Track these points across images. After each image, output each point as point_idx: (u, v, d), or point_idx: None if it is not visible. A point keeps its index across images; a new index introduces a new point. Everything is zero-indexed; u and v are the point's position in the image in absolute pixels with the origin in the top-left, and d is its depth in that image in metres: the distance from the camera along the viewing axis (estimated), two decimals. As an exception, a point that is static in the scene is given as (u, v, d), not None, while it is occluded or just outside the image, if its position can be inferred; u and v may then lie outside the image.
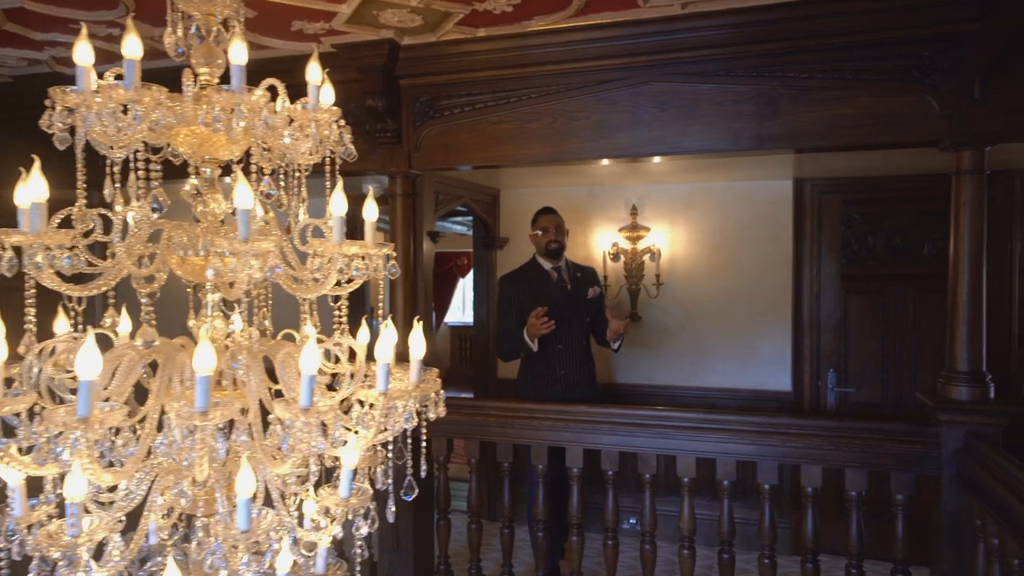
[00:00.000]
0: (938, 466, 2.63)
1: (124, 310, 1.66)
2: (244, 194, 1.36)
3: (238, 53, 1.41)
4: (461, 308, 12.53)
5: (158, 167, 1.48)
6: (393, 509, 1.60)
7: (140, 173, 1.43)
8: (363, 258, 1.61)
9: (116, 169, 1.41)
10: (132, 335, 1.58)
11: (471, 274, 5.88)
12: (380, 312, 3.75)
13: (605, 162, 3.69)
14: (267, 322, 1.81)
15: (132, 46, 1.37)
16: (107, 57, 3.14)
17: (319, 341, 1.80)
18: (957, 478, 2.57)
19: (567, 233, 3.89)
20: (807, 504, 2.87)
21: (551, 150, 3.10)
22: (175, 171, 1.54)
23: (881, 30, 2.55)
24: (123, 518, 1.38)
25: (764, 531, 2.92)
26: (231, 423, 1.51)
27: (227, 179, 1.57)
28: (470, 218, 5.23)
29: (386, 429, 1.55)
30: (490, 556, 4.14)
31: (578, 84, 3.02)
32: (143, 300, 1.61)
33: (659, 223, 4.68)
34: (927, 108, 2.59)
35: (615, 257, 4.71)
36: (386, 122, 3.22)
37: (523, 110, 3.12)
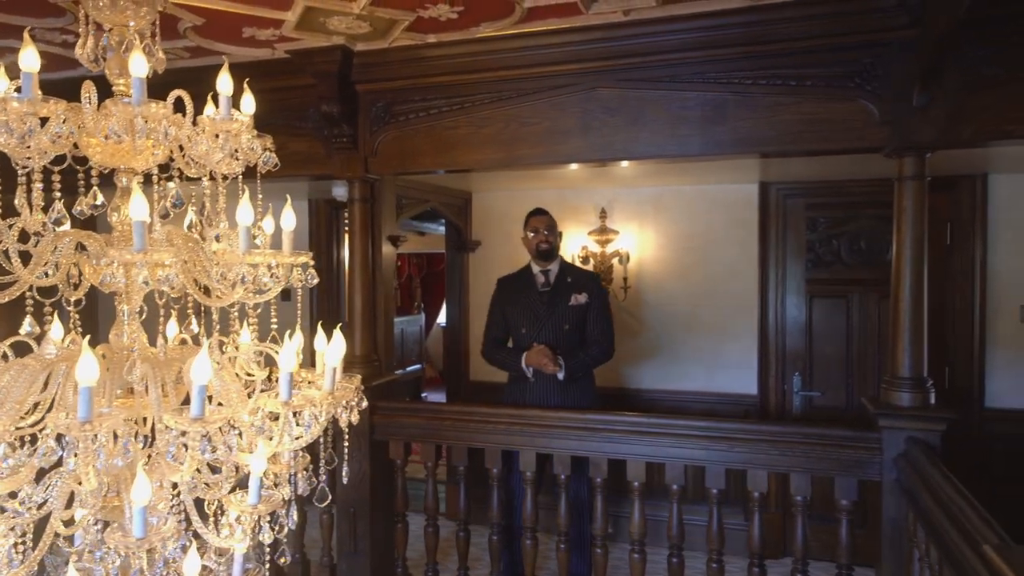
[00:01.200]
0: (879, 471, 2.64)
1: (56, 317, 1.68)
2: (139, 206, 1.37)
3: (138, 66, 1.42)
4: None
5: (81, 177, 1.51)
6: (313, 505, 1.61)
7: (38, 185, 1.44)
8: (271, 267, 1.62)
9: (29, 177, 1.43)
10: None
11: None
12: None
13: (574, 166, 3.71)
14: (193, 327, 1.83)
15: (29, 59, 1.38)
16: (63, 63, 3.16)
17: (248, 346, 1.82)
18: (896, 484, 2.58)
19: (560, 235, 3.81)
20: (754, 508, 2.88)
21: (504, 155, 3.11)
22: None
23: (820, 36, 2.56)
24: (30, 526, 1.40)
25: (712, 535, 2.93)
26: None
27: (171, 184, 1.60)
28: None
29: (299, 437, 1.57)
30: (453, 557, 4.15)
31: (529, 90, 3.03)
32: (69, 307, 1.64)
33: (628, 226, 4.69)
34: (868, 115, 2.60)
35: (584, 260, 4.72)
36: (342, 127, 3.24)
37: (476, 115, 3.14)
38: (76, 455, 1.25)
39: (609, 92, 2.92)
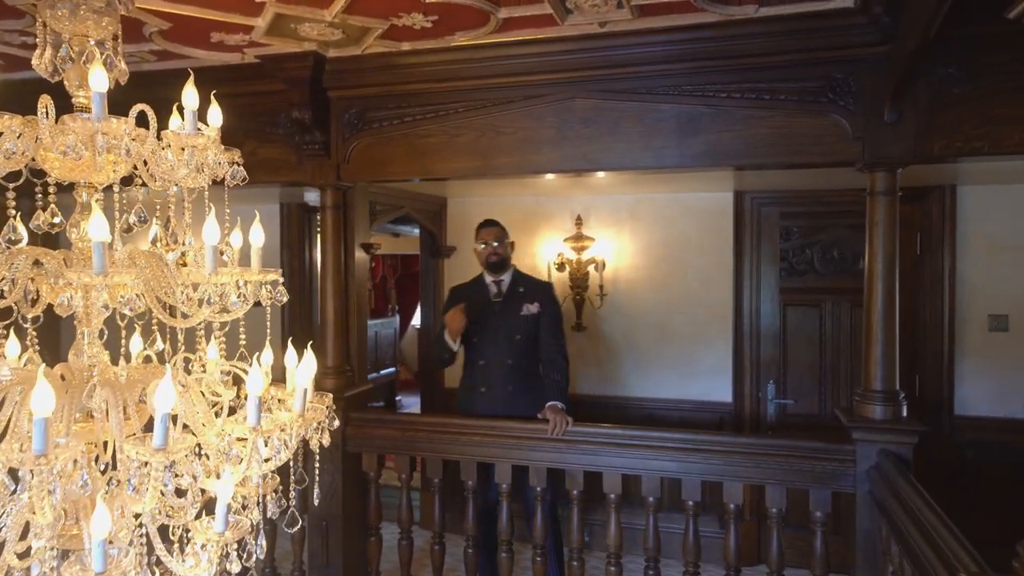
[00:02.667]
0: (853, 484, 2.66)
1: (12, 333, 1.62)
2: (99, 225, 1.32)
3: (98, 80, 1.37)
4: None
5: (38, 192, 1.45)
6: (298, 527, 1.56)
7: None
8: (239, 285, 1.58)
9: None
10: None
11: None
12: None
13: (550, 176, 3.68)
14: (158, 346, 1.77)
15: (-19, 73, 1.32)
16: (22, 64, 3.06)
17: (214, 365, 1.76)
18: (869, 496, 2.59)
19: (511, 246, 3.69)
20: (730, 520, 2.88)
21: (478, 164, 3.08)
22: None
23: (793, 52, 2.57)
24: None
25: (688, 546, 2.94)
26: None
27: (136, 196, 1.54)
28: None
29: (267, 460, 1.52)
30: (428, 569, 4.11)
31: (505, 99, 3.01)
32: (26, 325, 1.57)
33: (604, 233, 4.68)
34: (840, 130, 2.62)
35: (560, 267, 4.71)
36: (314, 134, 3.18)
37: (451, 124, 3.10)
38: (30, 489, 1.20)
39: (585, 103, 2.91)
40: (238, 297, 1.56)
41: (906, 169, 2.64)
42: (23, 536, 1.40)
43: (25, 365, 1.63)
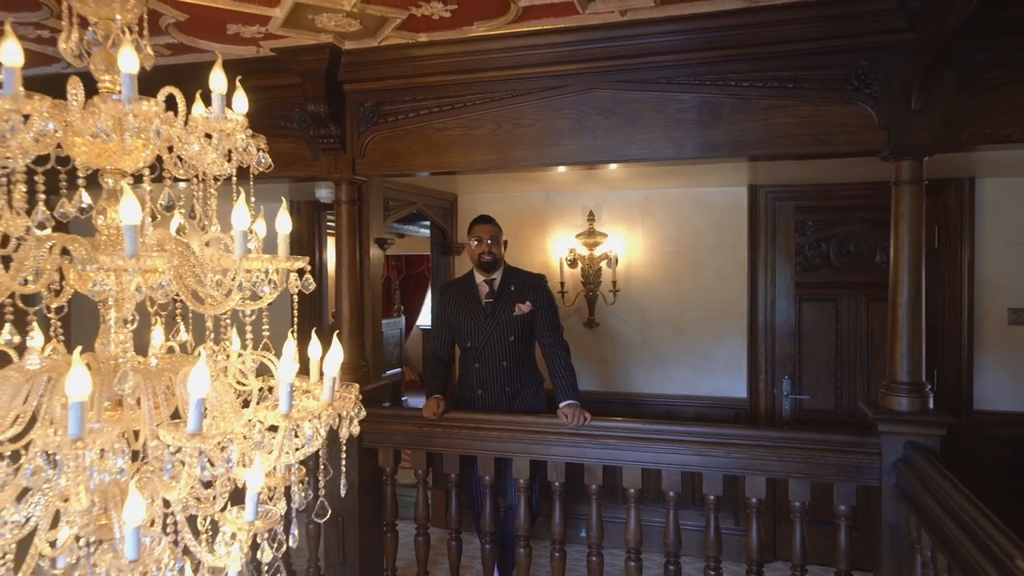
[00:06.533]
0: (879, 477, 2.63)
1: (36, 325, 1.59)
2: (131, 208, 1.29)
3: (128, 61, 1.35)
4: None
5: (63, 178, 1.43)
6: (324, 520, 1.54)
7: (22, 187, 1.36)
8: (267, 272, 1.55)
9: (12, 179, 1.35)
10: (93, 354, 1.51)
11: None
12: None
13: (561, 169, 3.65)
14: (182, 336, 1.75)
15: (11, 52, 1.30)
16: (39, 59, 3.05)
17: (239, 356, 1.74)
18: (896, 489, 2.56)
19: (505, 244, 3.57)
20: (752, 515, 2.85)
21: (496, 157, 3.06)
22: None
23: (817, 39, 2.54)
24: (12, 547, 1.32)
25: (709, 541, 2.90)
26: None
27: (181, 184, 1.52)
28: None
29: (298, 448, 1.50)
30: (442, 566, 4.09)
31: (522, 91, 2.98)
32: (50, 315, 1.55)
33: (616, 229, 4.65)
34: (866, 118, 2.59)
35: (572, 263, 4.68)
36: (329, 127, 3.16)
37: (468, 116, 3.08)
38: (66, 474, 1.18)
39: (604, 94, 2.88)
40: (267, 284, 1.54)
41: (924, 161, 2.61)
42: (53, 525, 1.37)
43: (49, 356, 1.61)
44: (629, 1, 2.49)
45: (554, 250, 4.77)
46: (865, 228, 4.18)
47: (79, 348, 1.25)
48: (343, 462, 1.83)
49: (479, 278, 3.50)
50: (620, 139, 2.89)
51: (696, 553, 4.08)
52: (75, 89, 1.36)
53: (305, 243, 5.09)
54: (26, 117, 1.31)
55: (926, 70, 2.37)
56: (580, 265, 4.66)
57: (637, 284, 4.63)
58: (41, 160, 1.41)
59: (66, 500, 1.34)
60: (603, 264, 4.63)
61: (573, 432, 3.01)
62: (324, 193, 4.61)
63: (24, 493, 1.31)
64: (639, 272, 4.63)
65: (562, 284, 4.66)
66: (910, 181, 2.59)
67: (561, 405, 3.10)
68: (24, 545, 1.36)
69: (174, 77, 2.45)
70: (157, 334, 1.75)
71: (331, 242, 5.20)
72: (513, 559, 3.29)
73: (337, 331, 1.72)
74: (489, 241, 3.43)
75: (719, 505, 2.91)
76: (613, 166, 3.39)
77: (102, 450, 1.33)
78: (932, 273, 4.07)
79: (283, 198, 1.70)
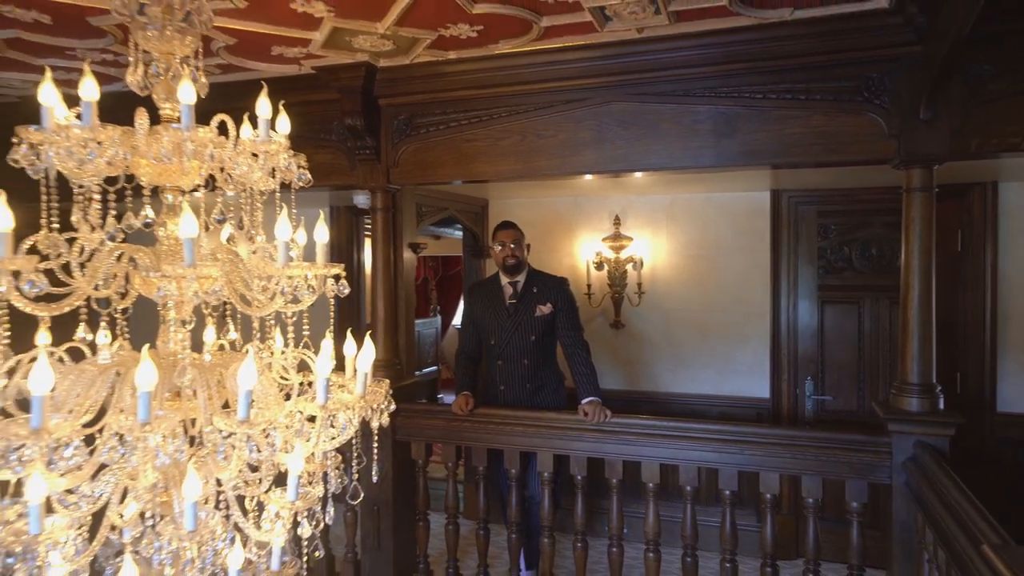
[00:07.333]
0: (889, 475, 2.71)
1: (103, 324, 1.80)
2: (189, 224, 1.49)
3: (187, 93, 1.54)
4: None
5: (128, 195, 1.63)
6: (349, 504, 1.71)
7: (97, 203, 1.56)
8: (307, 278, 1.74)
9: (88, 196, 1.55)
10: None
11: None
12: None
13: (588, 177, 3.79)
14: (231, 335, 1.95)
15: (89, 89, 1.50)
16: (103, 79, 3.31)
17: (281, 353, 1.93)
18: (906, 487, 2.64)
19: (527, 248, 3.76)
20: (766, 510, 2.96)
21: (521, 166, 3.22)
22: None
23: (827, 52, 2.64)
24: (88, 519, 1.52)
25: (725, 535, 3.01)
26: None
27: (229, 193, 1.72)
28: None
29: (334, 437, 1.69)
30: (473, 555, 4.26)
31: (545, 104, 3.14)
32: (117, 316, 1.76)
33: (641, 233, 4.77)
34: (876, 128, 2.68)
35: (599, 266, 4.81)
36: (365, 139, 3.36)
37: (495, 128, 3.25)
38: (137, 453, 1.37)
39: (623, 106, 3.02)
40: (307, 289, 1.73)
41: (947, 166, 2.68)
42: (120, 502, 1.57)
43: (116, 352, 1.82)
44: (645, 19, 2.63)
45: (581, 253, 4.92)
46: (888, 232, 4.23)
47: (147, 345, 1.45)
48: (375, 451, 2.00)
49: (504, 280, 3.70)
50: (639, 149, 3.02)
51: (716, 549, 4.16)
52: (141, 119, 1.56)
53: (344, 246, 5.33)
54: (99, 143, 1.51)
55: (933, 82, 2.46)
56: (606, 268, 4.80)
57: (662, 286, 4.74)
58: (109, 180, 1.62)
59: (134, 478, 1.55)
60: (629, 267, 4.75)
61: (595, 428, 3.15)
62: (361, 199, 4.83)
63: (96, 473, 1.51)
64: (664, 274, 4.75)
65: (589, 286, 4.80)
66: (920, 188, 2.67)
67: (583, 402, 3.24)
68: (96, 519, 1.56)
69: (223, 94, 2.68)
70: (209, 333, 1.96)
71: (368, 245, 5.43)
72: (538, 549, 3.45)
73: (370, 331, 1.90)
74: (512, 246, 3.63)
75: (735, 500, 3.02)
76: (639, 174, 3.52)
77: (163, 436, 1.52)
78: (955, 276, 4.10)
79: (321, 211, 1.88)
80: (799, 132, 2.79)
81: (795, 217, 4.41)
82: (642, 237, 4.77)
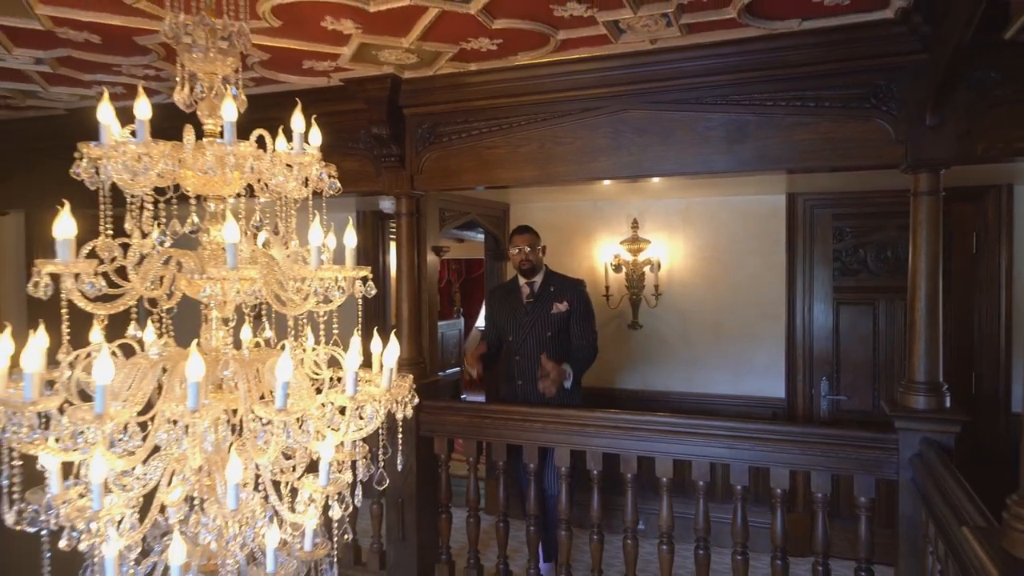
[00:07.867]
0: (896, 471, 2.78)
1: (150, 322, 1.96)
2: (232, 230, 1.64)
3: (229, 111, 1.69)
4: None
5: (173, 203, 1.79)
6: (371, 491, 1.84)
7: (149, 211, 1.72)
8: (337, 280, 1.89)
9: (140, 205, 1.71)
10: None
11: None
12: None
13: (607, 182, 3.91)
14: (267, 333, 2.10)
15: (142, 109, 1.66)
16: (147, 92, 3.50)
17: (312, 350, 2.08)
18: (912, 483, 2.72)
19: (543, 251, 4.02)
20: (776, 504, 3.05)
21: (540, 173, 3.34)
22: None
23: (835, 61, 2.73)
24: (140, 499, 1.68)
25: (737, 528, 3.11)
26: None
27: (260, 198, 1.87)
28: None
29: (361, 428, 1.83)
30: (493, 548, 4.38)
31: (563, 112, 3.26)
32: (163, 314, 1.92)
33: (659, 235, 4.87)
34: (884, 134, 2.76)
35: (617, 268, 4.92)
36: (391, 147, 3.51)
37: (514, 136, 3.38)
38: (187, 438, 1.52)
39: (638, 114, 3.13)
40: (337, 289, 1.87)
41: (963, 170, 2.74)
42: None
43: (164, 347, 1.97)
44: (658, 32, 2.74)
45: (600, 256, 5.03)
46: (902, 234, 4.25)
47: (195, 341, 1.60)
48: (399, 442, 2.14)
49: (521, 281, 3.93)
50: (653, 155, 3.13)
51: (729, 545, 4.24)
52: (189, 135, 1.72)
53: (370, 250, 5.50)
54: (151, 157, 1.67)
55: (939, 88, 2.53)
56: (624, 270, 4.90)
57: (678, 288, 4.84)
58: (158, 190, 1.78)
59: (181, 463, 1.70)
60: (646, 269, 4.85)
61: (611, 425, 3.26)
62: (387, 204, 5.00)
63: (147, 458, 1.67)
64: (680, 277, 4.84)
65: (607, 288, 4.91)
66: (927, 192, 2.74)
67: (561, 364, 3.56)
68: (146, 502, 1.72)
69: (258, 105, 2.85)
70: (246, 331, 2.11)
71: (393, 248, 5.60)
72: (556, 542, 3.57)
73: (395, 330, 2.04)
74: (528, 249, 3.87)
75: (747, 496, 3.11)
76: (655, 179, 3.64)
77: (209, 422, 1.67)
78: (970, 278, 4.14)
79: (350, 218, 2.03)
80: (809, 138, 2.88)
81: (810, 220, 4.48)
82: (659, 240, 4.87)
